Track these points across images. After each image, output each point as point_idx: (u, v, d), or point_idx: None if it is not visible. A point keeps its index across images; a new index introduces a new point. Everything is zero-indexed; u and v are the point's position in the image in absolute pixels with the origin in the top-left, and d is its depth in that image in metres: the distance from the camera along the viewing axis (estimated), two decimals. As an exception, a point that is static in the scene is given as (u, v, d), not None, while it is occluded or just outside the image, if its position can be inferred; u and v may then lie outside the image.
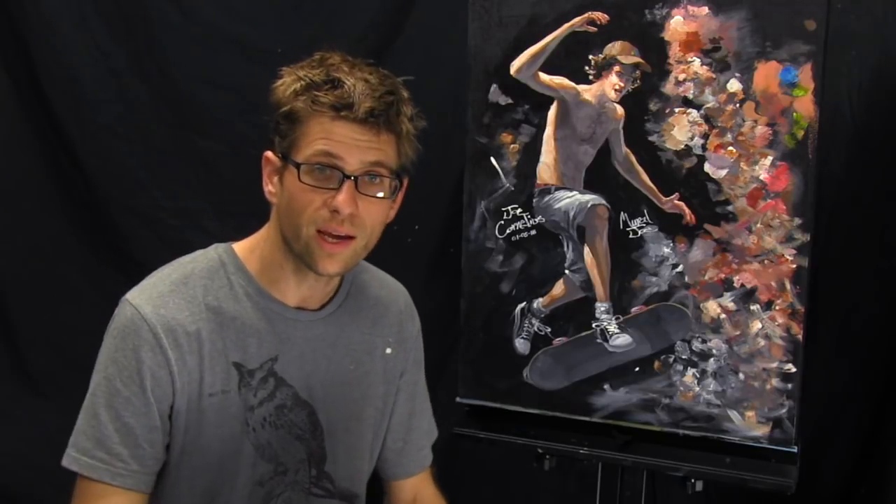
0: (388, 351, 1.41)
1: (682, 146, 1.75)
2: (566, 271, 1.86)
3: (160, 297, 1.25)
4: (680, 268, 1.77)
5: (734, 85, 1.70)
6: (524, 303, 1.89)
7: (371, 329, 1.40)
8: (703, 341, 1.77)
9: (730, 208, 1.73)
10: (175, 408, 1.24)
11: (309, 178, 1.19)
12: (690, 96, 1.73)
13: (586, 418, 1.85)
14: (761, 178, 1.70)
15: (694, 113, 1.73)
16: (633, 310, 1.81)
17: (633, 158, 1.78)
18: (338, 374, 1.35)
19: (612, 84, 1.78)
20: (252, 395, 1.28)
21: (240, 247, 1.33)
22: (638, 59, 1.76)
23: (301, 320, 1.31)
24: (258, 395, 1.28)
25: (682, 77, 1.73)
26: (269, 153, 1.25)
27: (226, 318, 1.27)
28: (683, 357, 1.78)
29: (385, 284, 1.46)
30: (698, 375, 1.77)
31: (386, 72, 1.25)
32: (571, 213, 1.84)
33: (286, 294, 1.30)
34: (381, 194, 1.23)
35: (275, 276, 1.29)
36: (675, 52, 1.73)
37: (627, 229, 1.80)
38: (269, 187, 1.26)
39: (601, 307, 1.84)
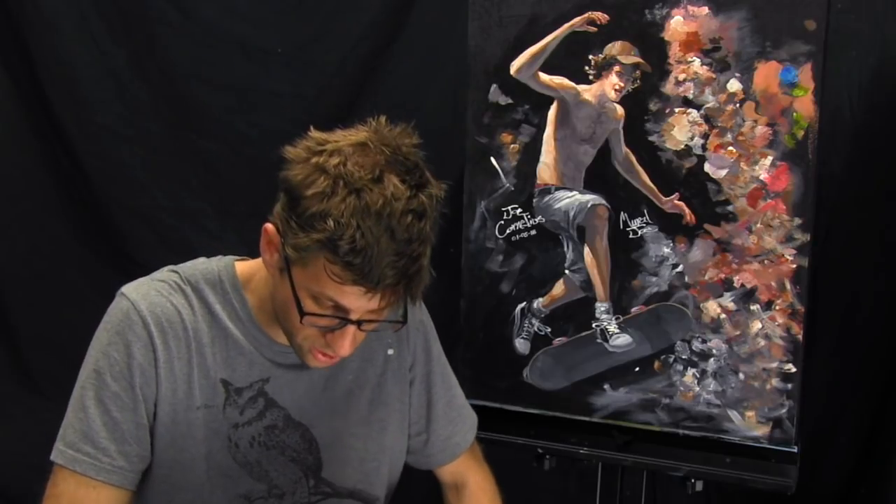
0: (390, 352, 1.37)
1: (682, 146, 1.75)
2: (566, 271, 1.86)
3: (158, 294, 1.22)
4: (680, 268, 1.77)
5: (734, 85, 1.70)
6: (524, 303, 1.89)
7: (367, 335, 1.34)
8: (703, 341, 1.77)
9: (730, 208, 1.73)
10: (157, 411, 1.22)
11: (309, 321, 1.13)
12: (690, 96, 1.73)
13: (586, 418, 1.85)
14: (761, 178, 1.70)
15: (694, 113, 1.73)
16: (633, 310, 1.81)
17: (633, 158, 1.78)
18: (335, 389, 1.32)
19: (612, 84, 1.78)
20: (238, 413, 1.25)
21: (242, 270, 1.29)
22: (638, 59, 1.76)
23: (291, 352, 1.26)
24: (245, 414, 1.26)
25: (682, 77, 1.73)
26: (271, 230, 1.14)
27: (218, 333, 1.25)
28: (683, 357, 1.78)
29: None
30: (698, 375, 1.77)
31: (420, 200, 1.09)
32: (571, 213, 1.84)
33: (278, 335, 1.26)
34: (381, 327, 1.19)
35: (268, 320, 1.26)
36: (675, 52, 1.73)
37: (627, 229, 1.80)
38: (267, 257, 1.17)
39: (601, 307, 1.84)
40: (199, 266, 1.28)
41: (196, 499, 1.27)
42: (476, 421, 1.52)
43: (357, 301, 1.10)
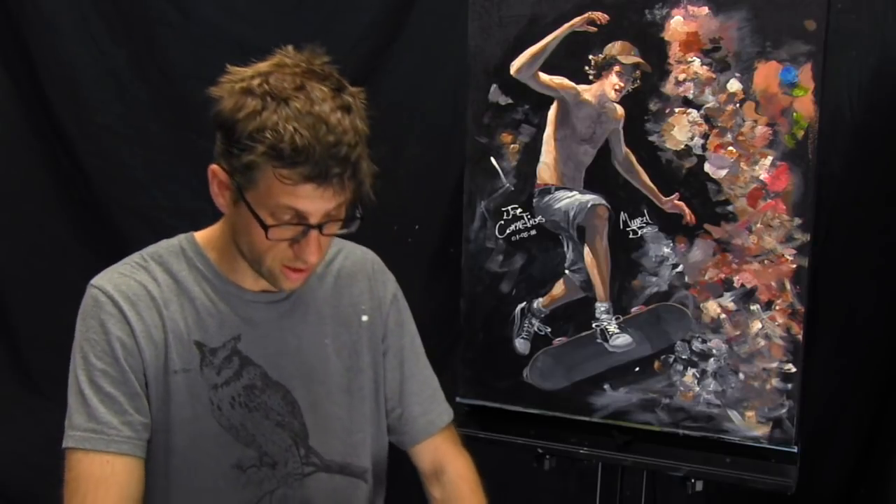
0: (365, 318, 1.42)
1: (682, 146, 1.75)
2: (566, 271, 1.86)
3: (121, 276, 1.30)
4: (680, 268, 1.77)
5: (734, 85, 1.70)
6: (524, 303, 1.89)
7: (340, 300, 1.41)
8: (703, 341, 1.77)
9: (730, 208, 1.73)
10: (147, 379, 1.28)
11: (274, 234, 1.19)
12: (690, 96, 1.73)
13: (586, 418, 1.85)
14: (761, 178, 1.70)
15: (694, 113, 1.73)
16: (633, 310, 1.81)
17: (633, 158, 1.78)
18: (312, 351, 1.37)
19: (612, 84, 1.78)
20: (215, 374, 1.30)
21: (200, 235, 1.36)
22: (638, 59, 1.76)
23: (262, 302, 1.33)
24: (222, 374, 1.30)
25: (682, 77, 1.73)
26: (217, 170, 1.22)
27: (186, 299, 1.30)
28: (683, 357, 1.78)
29: (349, 254, 1.45)
30: (698, 375, 1.77)
31: (343, 99, 1.19)
32: (571, 213, 1.84)
33: (245, 280, 1.32)
34: (341, 229, 1.25)
35: (233, 266, 1.32)
36: (675, 52, 1.73)
37: (627, 229, 1.80)
38: (221, 200, 1.25)
39: (601, 307, 1.84)
40: (162, 244, 1.37)
41: (182, 465, 1.30)
42: (452, 413, 1.53)
43: (312, 202, 1.17)
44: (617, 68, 1.77)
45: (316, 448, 1.38)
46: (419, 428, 1.48)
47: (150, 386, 1.28)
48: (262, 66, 1.21)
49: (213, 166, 1.23)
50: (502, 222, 1.89)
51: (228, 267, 1.32)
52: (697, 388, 1.77)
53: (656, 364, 1.80)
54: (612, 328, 1.83)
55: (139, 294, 1.28)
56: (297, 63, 1.20)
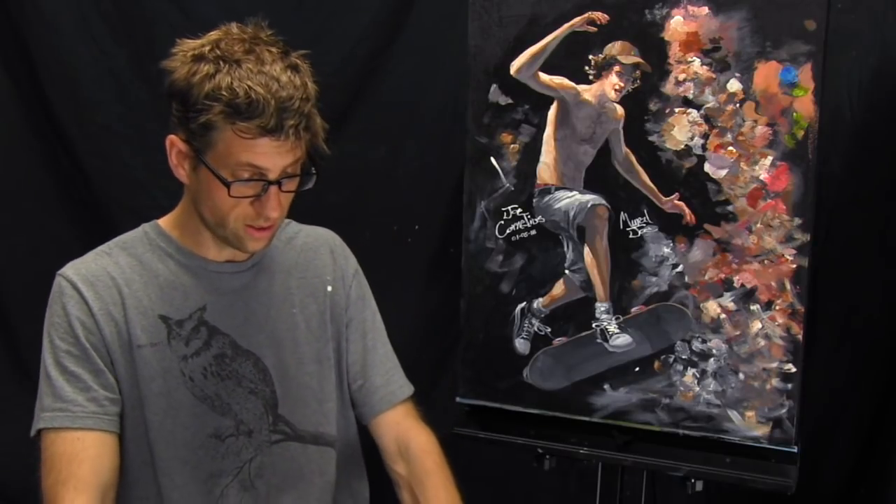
0: (329, 289, 1.46)
1: (682, 146, 1.75)
2: (566, 271, 1.86)
3: (83, 262, 1.35)
4: (680, 268, 1.77)
5: (734, 85, 1.70)
6: (524, 303, 1.89)
7: (305, 272, 1.45)
8: (703, 341, 1.77)
9: (730, 208, 1.73)
10: (111, 357, 1.31)
11: (236, 191, 1.23)
12: (690, 96, 1.73)
13: (586, 418, 1.85)
14: (761, 178, 1.70)
15: (694, 113, 1.73)
16: (633, 310, 1.81)
17: (633, 158, 1.78)
18: (280, 320, 1.40)
19: (612, 84, 1.78)
20: (184, 345, 1.33)
21: (162, 219, 1.41)
22: (638, 59, 1.76)
23: (226, 272, 1.37)
24: (191, 345, 1.34)
25: (682, 77, 1.73)
26: (174, 139, 1.27)
27: (149, 276, 1.34)
28: (683, 357, 1.78)
29: (311, 232, 1.51)
30: (698, 375, 1.77)
31: (291, 60, 1.25)
32: (571, 213, 1.84)
33: (209, 252, 1.36)
34: (299, 184, 1.30)
35: (196, 240, 1.36)
36: (675, 52, 1.73)
37: (627, 229, 1.80)
38: (181, 171, 1.30)
39: (601, 307, 1.84)
40: (126, 234, 1.41)
41: (160, 437, 1.33)
42: (412, 389, 1.55)
43: (270, 158, 1.22)
44: (617, 68, 1.77)
45: (286, 417, 1.40)
46: (380, 397, 1.50)
47: (116, 362, 1.31)
48: (211, 35, 1.28)
49: (171, 136, 1.28)
50: (502, 222, 1.89)
51: (192, 241, 1.36)
52: (697, 388, 1.77)
53: (656, 364, 1.80)
54: (612, 328, 1.83)
55: (98, 275, 1.32)
56: (243, 31, 1.27)
